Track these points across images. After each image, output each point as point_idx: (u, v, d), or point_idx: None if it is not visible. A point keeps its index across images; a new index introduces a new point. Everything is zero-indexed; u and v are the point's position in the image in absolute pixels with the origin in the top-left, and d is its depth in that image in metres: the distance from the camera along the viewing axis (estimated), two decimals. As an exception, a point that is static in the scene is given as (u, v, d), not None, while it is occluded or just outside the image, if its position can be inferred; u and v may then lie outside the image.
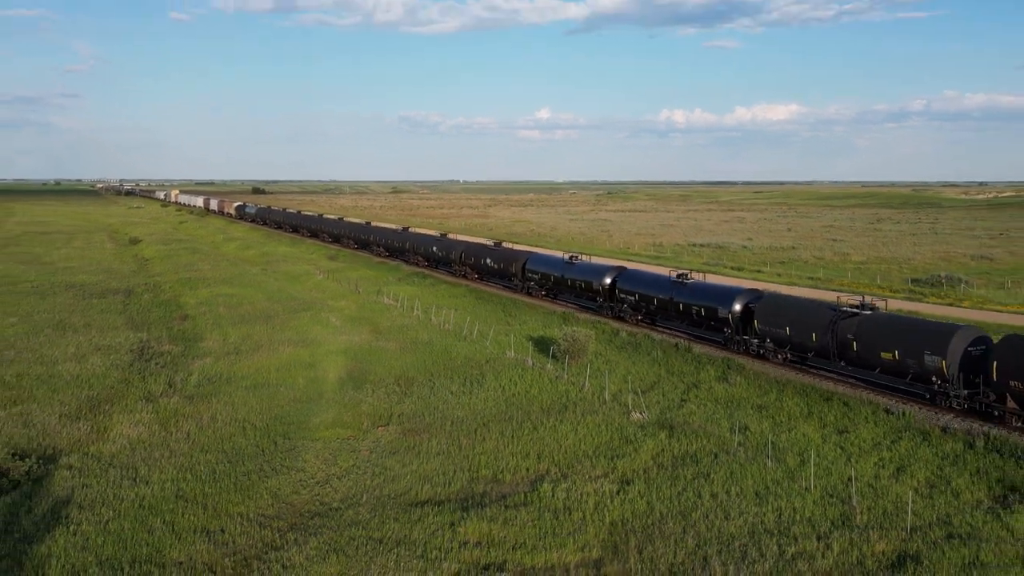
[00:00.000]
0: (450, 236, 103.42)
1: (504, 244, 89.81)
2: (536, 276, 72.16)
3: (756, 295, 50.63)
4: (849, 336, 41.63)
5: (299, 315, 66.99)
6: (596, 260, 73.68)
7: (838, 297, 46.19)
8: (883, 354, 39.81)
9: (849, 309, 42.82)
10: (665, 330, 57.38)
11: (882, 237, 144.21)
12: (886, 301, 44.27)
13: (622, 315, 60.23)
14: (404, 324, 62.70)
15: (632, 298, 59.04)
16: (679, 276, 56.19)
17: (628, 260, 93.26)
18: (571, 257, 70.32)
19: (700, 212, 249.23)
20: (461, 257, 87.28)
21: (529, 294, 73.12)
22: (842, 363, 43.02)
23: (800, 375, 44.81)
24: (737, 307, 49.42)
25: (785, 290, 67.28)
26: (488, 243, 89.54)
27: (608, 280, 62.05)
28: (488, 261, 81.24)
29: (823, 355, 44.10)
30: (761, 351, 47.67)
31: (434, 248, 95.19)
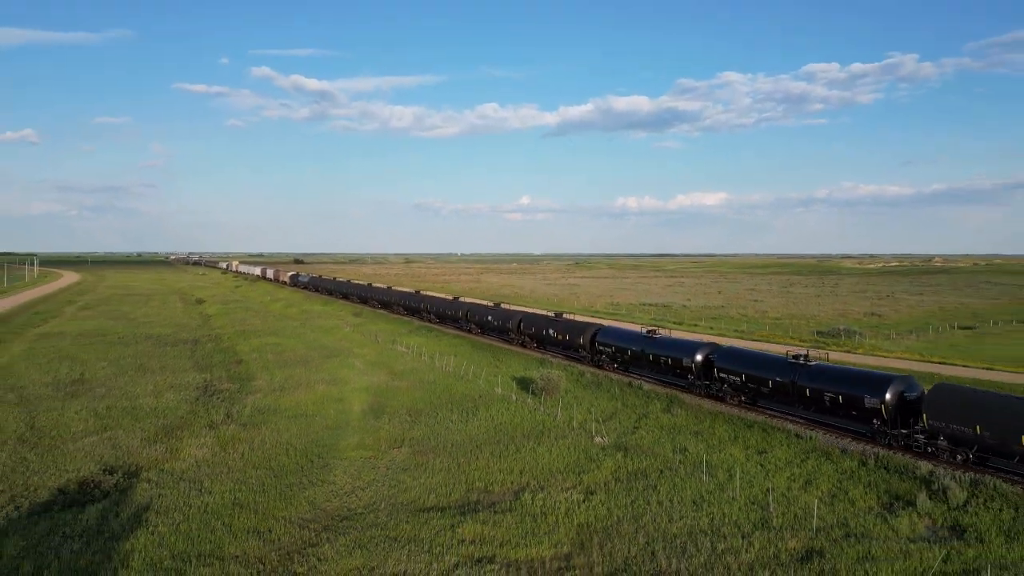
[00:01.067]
0: (503, 306, 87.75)
1: (565, 314, 76.25)
2: (609, 350, 57.76)
3: (908, 383, 36.50)
4: None
5: (330, 360, 66.86)
6: (677, 334, 59.87)
7: None
8: None
9: None
10: (779, 415, 42.88)
11: (793, 298, 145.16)
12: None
13: (721, 395, 46.28)
14: (414, 367, 62.64)
15: (737, 379, 44.76)
16: (797, 356, 41.92)
17: (593, 316, 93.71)
18: (649, 331, 56.34)
19: (649, 278, 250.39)
20: (519, 326, 73.43)
21: (599, 367, 58.88)
22: None
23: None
24: (889, 396, 35.62)
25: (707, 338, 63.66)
26: (548, 313, 74.80)
27: (700, 357, 48.31)
28: (551, 332, 67.23)
29: None
30: (930, 449, 33.95)
31: (489, 317, 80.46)
